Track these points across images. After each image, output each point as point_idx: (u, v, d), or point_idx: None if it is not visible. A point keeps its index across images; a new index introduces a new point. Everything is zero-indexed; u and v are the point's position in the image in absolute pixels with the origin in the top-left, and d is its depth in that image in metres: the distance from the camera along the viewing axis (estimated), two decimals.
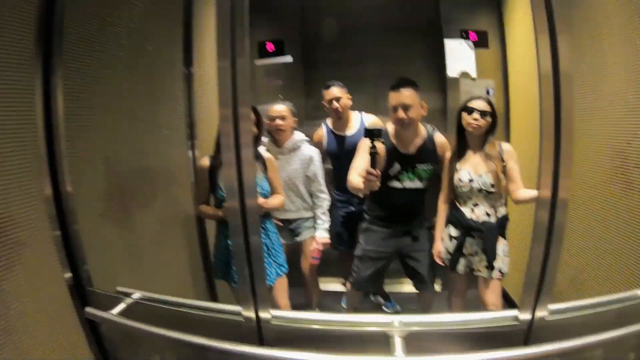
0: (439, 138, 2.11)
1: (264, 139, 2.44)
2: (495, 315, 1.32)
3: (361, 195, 2.02)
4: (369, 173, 1.74)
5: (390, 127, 2.08)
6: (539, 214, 1.21)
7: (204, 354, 1.33)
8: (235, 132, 1.21)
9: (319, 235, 2.42)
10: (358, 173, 1.91)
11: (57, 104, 1.41)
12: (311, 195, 2.45)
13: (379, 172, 1.76)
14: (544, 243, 1.22)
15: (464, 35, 2.89)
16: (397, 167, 2.05)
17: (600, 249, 1.86)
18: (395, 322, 1.26)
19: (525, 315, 1.27)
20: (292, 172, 2.37)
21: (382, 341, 1.23)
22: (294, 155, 2.38)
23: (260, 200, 1.95)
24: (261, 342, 1.34)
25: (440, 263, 2.10)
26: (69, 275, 1.47)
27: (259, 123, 1.98)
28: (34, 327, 1.32)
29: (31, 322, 1.31)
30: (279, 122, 2.31)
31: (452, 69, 2.90)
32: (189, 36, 2.13)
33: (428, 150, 2.08)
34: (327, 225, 2.44)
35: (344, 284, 2.95)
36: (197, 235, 2.23)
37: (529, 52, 2.34)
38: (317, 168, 2.39)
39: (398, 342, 1.19)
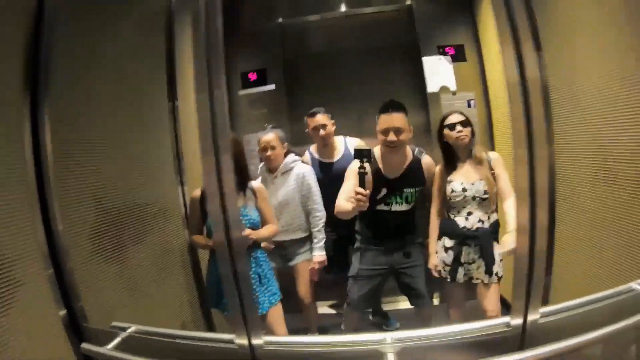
0: (426, 160, 2.15)
1: (259, 166, 2.49)
2: (486, 324, 1.30)
3: (348, 218, 2.03)
4: (357, 193, 1.77)
5: (376, 151, 2.11)
6: (520, 219, 1.22)
7: None
8: (217, 164, 1.23)
9: (316, 253, 2.41)
10: (345, 198, 1.94)
11: (46, 142, 1.43)
12: (307, 214, 2.45)
13: (368, 192, 1.78)
14: (529, 248, 1.22)
15: (441, 50, 2.97)
16: (384, 191, 2.07)
17: (593, 246, 1.89)
18: (387, 339, 1.25)
19: (517, 321, 1.26)
20: (288, 193, 2.40)
21: (376, 359, 1.22)
22: (287, 176, 2.41)
23: (247, 231, 1.95)
24: None
25: (437, 276, 2.10)
26: (63, 312, 1.47)
27: (240, 154, 2.01)
28: None
29: None
30: (269, 152, 2.35)
31: (432, 85, 2.97)
32: (172, 70, 2.18)
33: (414, 173, 2.11)
34: (323, 243, 2.43)
35: (335, 307, 2.96)
36: (191, 266, 2.23)
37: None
38: (312, 184, 2.40)
39: (391, 358, 1.19)
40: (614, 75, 1.67)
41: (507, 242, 1.79)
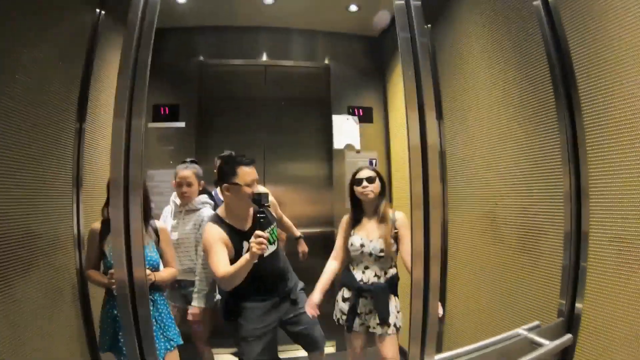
0: None
1: (171, 199, 2.42)
2: None
3: (238, 283, 1.95)
4: (259, 236, 1.75)
5: (221, 211, 2.06)
6: (415, 272, 1.31)
7: None
8: (125, 196, 1.18)
9: (193, 304, 2.26)
10: (225, 264, 1.86)
11: None
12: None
13: (268, 235, 1.78)
14: (422, 299, 1.31)
15: (351, 110, 3.19)
16: (245, 245, 2.00)
17: (482, 297, 2.09)
18: None
19: None
20: (185, 233, 2.32)
21: None
22: (191, 216, 2.34)
23: (147, 272, 1.82)
24: None
25: (313, 313, 2.06)
26: None
27: (144, 189, 1.89)
28: None
29: None
30: (184, 188, 2.30)
31: (338, 142, 3.15)
32: (85, 93, 2.03)
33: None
34: (203, 293, 2.28)
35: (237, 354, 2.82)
36: (80, 305, 1.99)
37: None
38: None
39: None
40: (501, 147, 1.94)
41: None
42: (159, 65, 3.03)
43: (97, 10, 2.06)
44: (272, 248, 1.96)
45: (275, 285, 2.11)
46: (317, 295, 2.08)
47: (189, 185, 2.31)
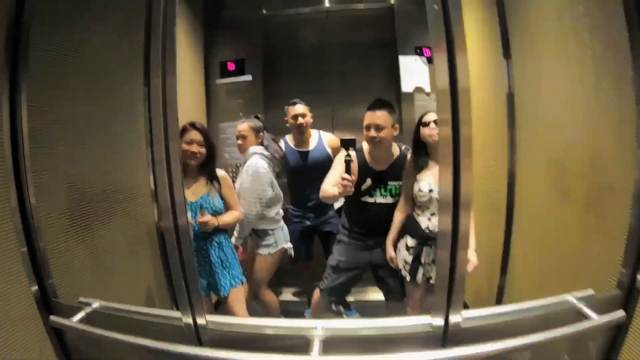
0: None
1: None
2: (410, 322, 1.36)
3: (333, 202, 2.09)
4: (344, 179, 1.90)
5: (365, 144, 2.19)
6: (442, 221, 1.26)
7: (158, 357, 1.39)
8: (166, 149, 1.31)
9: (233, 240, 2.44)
10: (331, 183, 2.05)
11: (22, 123, 1.50)
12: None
13: (354, 179, 1.92)
14: (450, 250, 1.27)
15: (419, 51, 2.99)
16: (368, 182, 2.16)
17: (544, 255, 1.95)
18: (317, 327, 1.34)
19: (438, 321, 1.32)
20: (241, 184, 2.44)
21: (305, 344, 1.30)
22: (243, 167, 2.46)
23: (207, 217, 2.04)
24: (200, 344, 1.43)
25: (394, 267, 2.18)
26: (35, 288, 1.56)
27: (206, 142, 2.07)
28: (3, 335, 1.43)
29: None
30: (240, 141, 2.45)
31: (407, 85, 2.99)
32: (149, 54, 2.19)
33: (399, 168, 2.18)
34: (239, 236, 2.48)
35: (299, 294, 3.10)
36: (159, 247, 2.27)
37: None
38: (244, 180, 2.40)
39: (316, 345, 1.27)
40: (574, 87, 1.70)
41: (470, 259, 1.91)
42: (223, 22, 3.18)
43: None
44: (384, 200, 2.18)
45: (375, 232, 2.25)
46: (391, 250, 2.18)
47: (244, 138, 2.44)
